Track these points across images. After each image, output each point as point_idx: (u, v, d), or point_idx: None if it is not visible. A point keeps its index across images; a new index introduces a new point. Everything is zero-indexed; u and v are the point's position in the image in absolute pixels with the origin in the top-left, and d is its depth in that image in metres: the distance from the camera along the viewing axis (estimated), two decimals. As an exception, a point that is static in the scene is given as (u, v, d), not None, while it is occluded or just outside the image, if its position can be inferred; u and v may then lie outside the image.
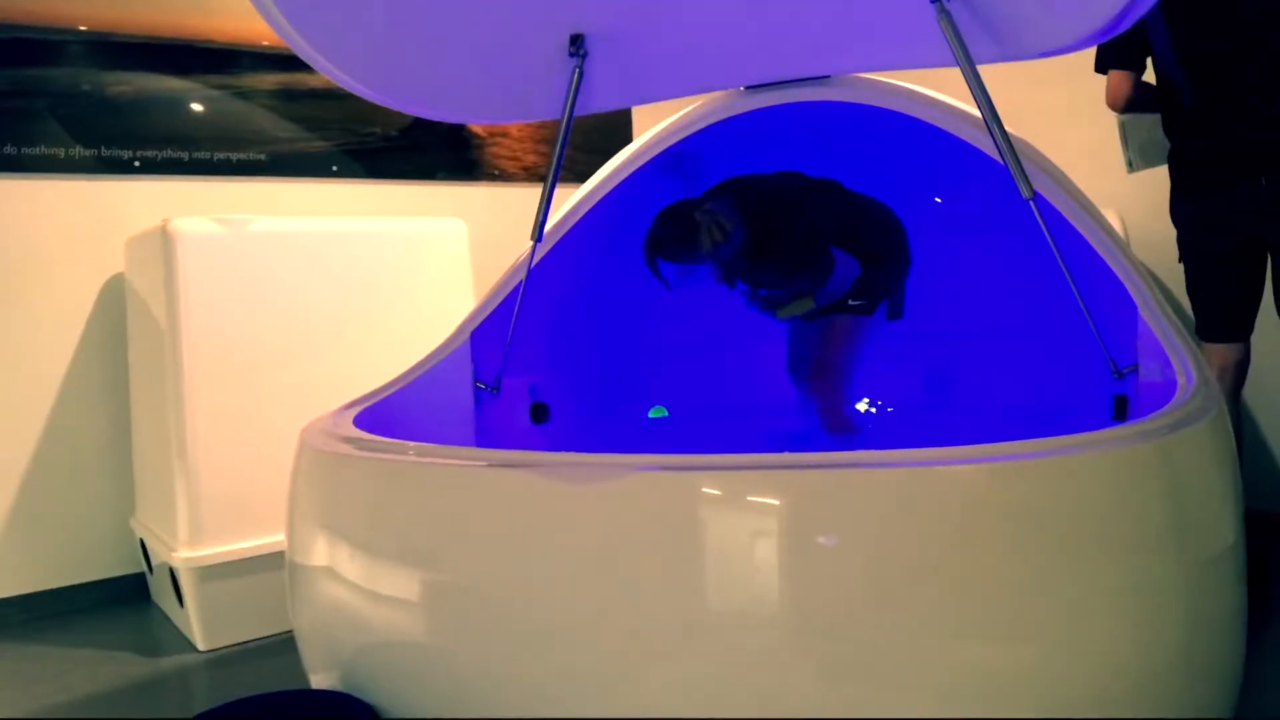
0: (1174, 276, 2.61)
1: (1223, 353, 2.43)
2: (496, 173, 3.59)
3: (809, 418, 2.57)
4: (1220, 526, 1.39)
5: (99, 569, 2.90)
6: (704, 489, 1.30)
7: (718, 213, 2.26)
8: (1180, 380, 1.59)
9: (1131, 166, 2.71)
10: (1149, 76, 2.53)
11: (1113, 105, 2.55)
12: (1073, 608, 1.25)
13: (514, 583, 1.40)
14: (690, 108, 2.35)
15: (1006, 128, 1.87)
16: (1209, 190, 2.39)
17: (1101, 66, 2.53)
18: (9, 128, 2.76)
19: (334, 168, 3.26)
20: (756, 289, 2.51)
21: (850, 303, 2.44)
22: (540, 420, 2.47)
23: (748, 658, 1.27)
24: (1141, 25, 2.30)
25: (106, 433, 2.91)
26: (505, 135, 3.59)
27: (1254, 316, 2.46)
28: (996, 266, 2.50)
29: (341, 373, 2.59)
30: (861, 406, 2.75)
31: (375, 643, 1.55)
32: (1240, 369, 2.46)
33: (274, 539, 2.47)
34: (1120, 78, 2.50)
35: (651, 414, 2.76)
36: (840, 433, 2.49)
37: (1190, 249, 2.48)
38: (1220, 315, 2.45)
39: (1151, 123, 2.61)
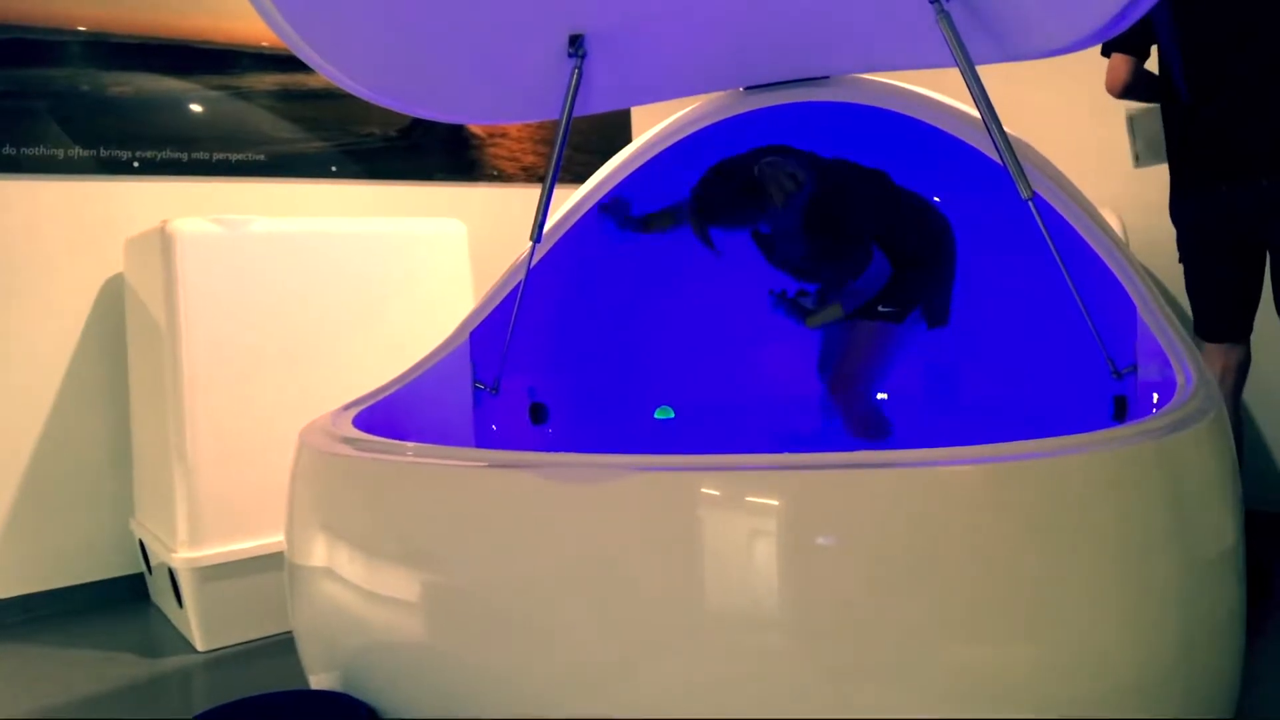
0: (1174, 276, 2.61)
1: (1223, 353, 2.43)
2: (495, 173, 3.59)
3: (816, 418, 2.55)
4: (1220, 527, 1.39)
5: (98, 570, 2.90)
6: (703, 489, 1.30)
7: (784, 164, 2.13)
8: (1180, 380, 1.59)
9: (1139, 161, 2.70)
10: (1152, 67, 2.52)
11: (1110, 89, 2.52)
12: (1073, 608, 1.25)
13: (513, 583, 1.40)
14: (689, 108, 2.35)
15: (1005, 128, 1.87)
16: (1209, 189, 2.39)
17: (1105, 50, 2.52)
18: (8, 128, 2.75)
19: (333, 168, 3.26)
20: (802, 293, 2.40)
21: (880, 309, 2.33)
22: (539, 421, 2.47)
23: (747, 658, 1.27)
24: (1148, 15, 2.29)
25: (105, 433, 2.90)
26: (504, 136, 3.59)
27: (1253, 316, 2.45)
28: (995, 267, 2.50)
29: (341, 373, 2.60)
30: None
31: (374, 643, 1.55)
32: (1240, 370, 2.45)
33: (273, 539, 2.46)
34: (1120, 61, 2.47)
35: (657, 414, 2.75)
36: (866, 438, 2.40)
37: (1190, 248, 2.48)
38: (1220, 315, 2.44)
39: (1159, 116, 2.60)
